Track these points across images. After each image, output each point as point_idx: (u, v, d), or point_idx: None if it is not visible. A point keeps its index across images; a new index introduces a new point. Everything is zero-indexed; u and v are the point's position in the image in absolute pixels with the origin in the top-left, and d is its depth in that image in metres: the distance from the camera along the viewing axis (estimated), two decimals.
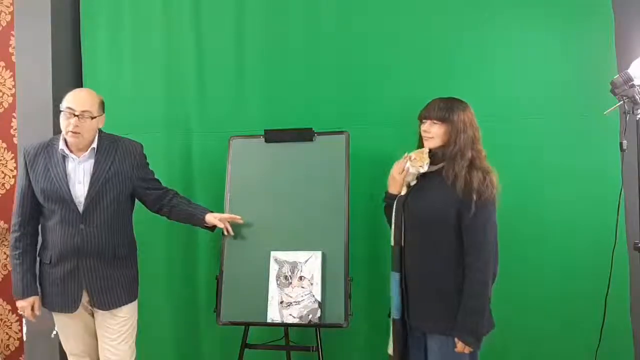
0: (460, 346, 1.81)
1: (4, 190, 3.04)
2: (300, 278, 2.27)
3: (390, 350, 2.02)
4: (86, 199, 2.10)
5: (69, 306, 2.13)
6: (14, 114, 2.97)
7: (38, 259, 2.19)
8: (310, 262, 2.28)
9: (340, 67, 2.69)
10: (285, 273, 2.29)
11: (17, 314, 3.00)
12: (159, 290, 2.73)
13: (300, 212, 2.39)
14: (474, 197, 1.81)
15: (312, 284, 2.25)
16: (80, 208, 2.10)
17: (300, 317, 2.23)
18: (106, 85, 2.77)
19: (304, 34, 2.73)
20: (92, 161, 2.14)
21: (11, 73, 2.98)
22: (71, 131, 2.07)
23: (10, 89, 3.00)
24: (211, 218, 2.32)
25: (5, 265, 3.04)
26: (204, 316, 2.77)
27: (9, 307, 3.04)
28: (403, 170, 2.00)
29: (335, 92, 2.69)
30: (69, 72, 2.91)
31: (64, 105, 2.08)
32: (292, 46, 2.74)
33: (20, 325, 2.97)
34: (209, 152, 2.77)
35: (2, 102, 3.02)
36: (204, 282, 2.76)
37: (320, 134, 2.48)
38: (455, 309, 1.83)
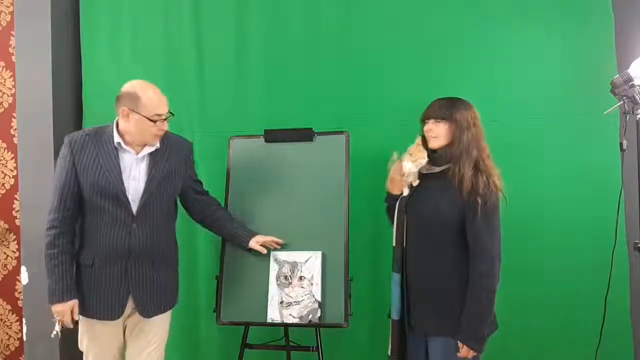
0: (464, 351, 1.80)
1: (4, 190, 3.03)
2: (300, 278, 2.27)
3: (389, 351, 2.01)
4: (142, 197, 1.96)
5: (113, 313, 1.98)
6: (14, 114, 2.97)
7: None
8: (310, 262, 2.28)
9: (340, 67, 2.69)
10: (285, 273, 2.29)
11: (17, 314, 3.00)
12: None
13: (300, 212, 2.38)
14: (480, 202, 1.78)
15: (312, 284, 2.25)
16: (134, 206, 1.96)
17: (300, 317, 2.23)
18: (106, 86, 2.77)
19: (304, 34, 2.73)
20: (147, 158, 2.01)
21: (11, 73, 2.98)
22: (160, 135, 1.99)
23: (10, 89, 3.00)
24: (254, 245, 2.27)
25: (5, 265, 3.04)
26: (204, 316, 2.77)
27: (9, 307, 3.04)
28: (402, 170, 1.98)
29: (335, 92, 2.69)
30: (69, 72, 2.91)
31: (148, 111, 1.93)
32: (292, 46, 2.74)
33: (20, 325, 2.96)
34: (209, 152, 2.77)
35: (2, 102, 3.02)
36: (204, 282, 2.76)
37: (320, 134, 2.48)
38: (457, 311, 1.82)
